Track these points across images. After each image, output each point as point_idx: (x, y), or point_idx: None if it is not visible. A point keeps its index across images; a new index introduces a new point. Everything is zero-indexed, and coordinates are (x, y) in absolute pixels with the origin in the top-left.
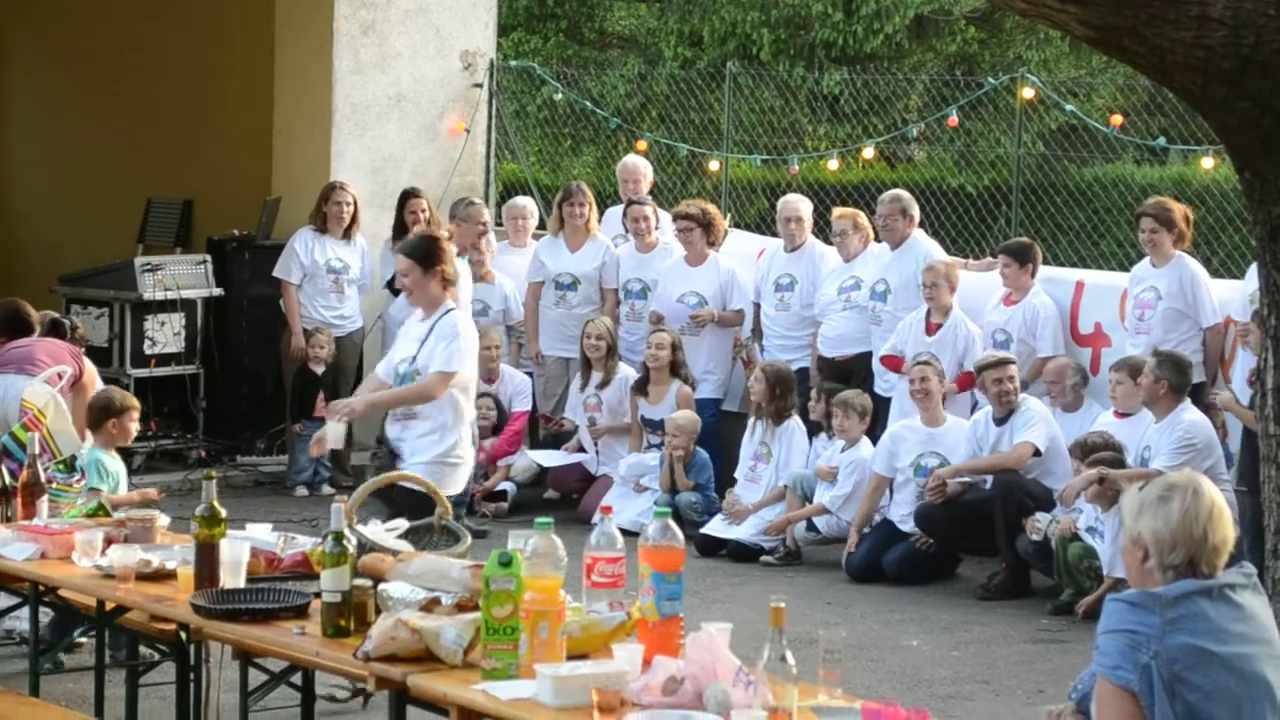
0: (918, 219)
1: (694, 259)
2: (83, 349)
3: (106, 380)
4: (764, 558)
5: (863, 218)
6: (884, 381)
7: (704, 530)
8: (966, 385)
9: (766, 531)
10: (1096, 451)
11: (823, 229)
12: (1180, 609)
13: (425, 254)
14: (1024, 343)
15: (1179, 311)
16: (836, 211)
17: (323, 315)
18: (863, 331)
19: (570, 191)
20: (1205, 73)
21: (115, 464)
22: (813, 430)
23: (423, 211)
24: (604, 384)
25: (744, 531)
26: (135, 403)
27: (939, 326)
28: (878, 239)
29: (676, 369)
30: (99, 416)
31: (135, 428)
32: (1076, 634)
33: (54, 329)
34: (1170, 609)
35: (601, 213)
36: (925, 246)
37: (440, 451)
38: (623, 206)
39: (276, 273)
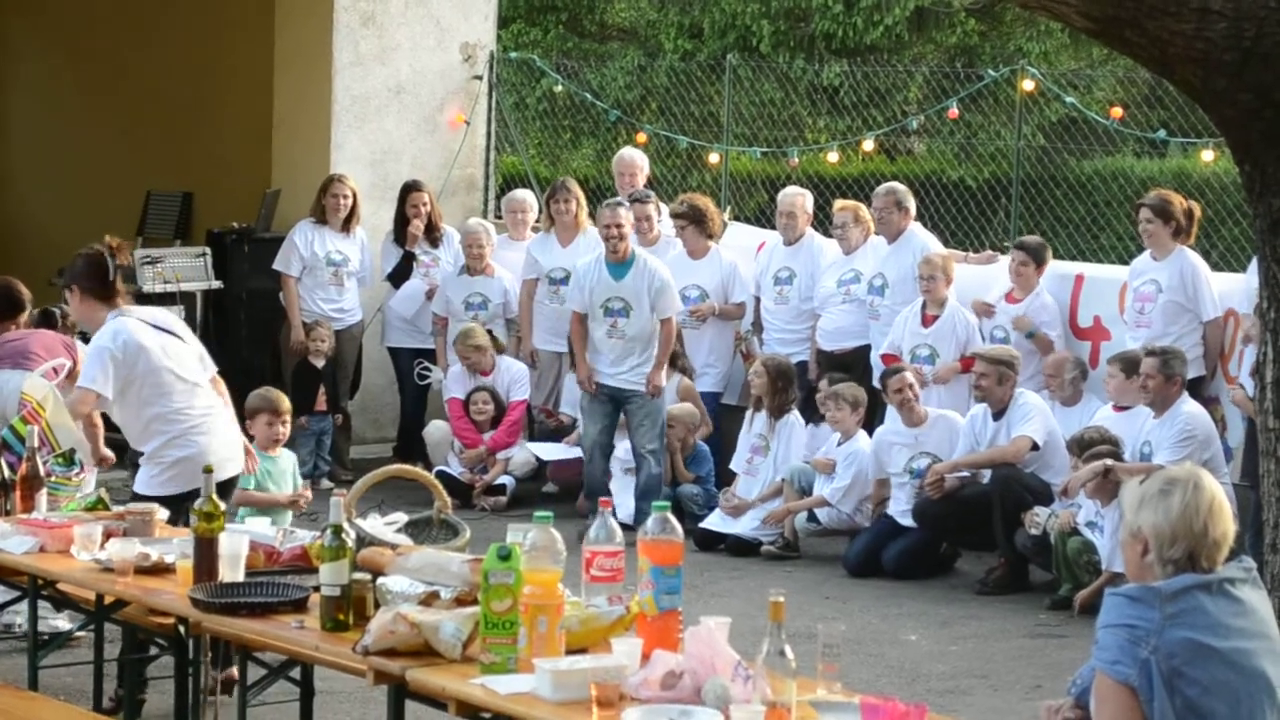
0: (914, 212)
1: (695, 252)
2: (75, 338)
3: None
4: (764, 547)
5: (864, 210)
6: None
7: (702, 525)
8: (969, 367)
9: (765, 521)
10: (1093, 446)
11: (822, 222)
12: (1180, 604)
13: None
14: (1021, 343)
15: (1179, 305)
16: (838, 204)
17: (322, 308)
18: (861, 325)
19: (556, 188)
20: (1206, 65)
21: (275, 464)
22: (814, 421)
23: (424, 205)
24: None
25: (743, 525)
26: (287, 405)
27: (935, 319)
28: (878, 232)
29: (676, 361)
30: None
31: (286, 430)
32: (1075, 628)
33: (44, 320)
34: (1170, 604)
35: (597, 206)
36: (922, 239)
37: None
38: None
39: (276, 265)
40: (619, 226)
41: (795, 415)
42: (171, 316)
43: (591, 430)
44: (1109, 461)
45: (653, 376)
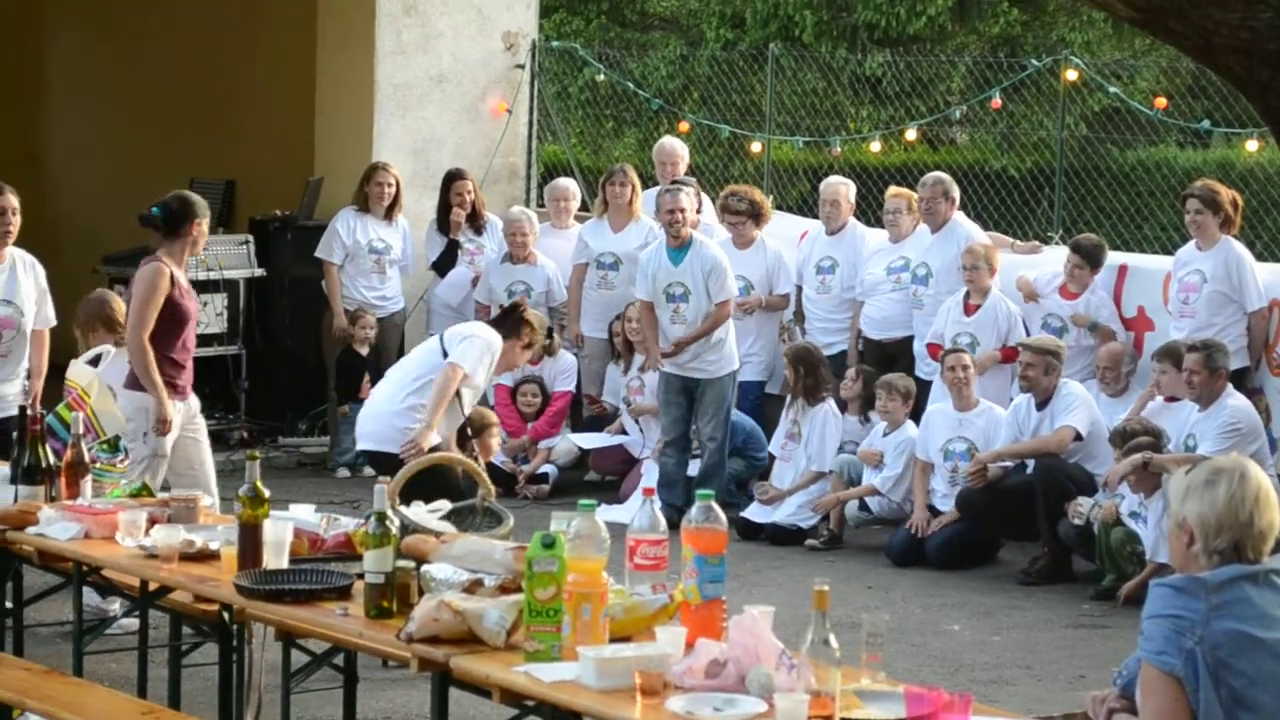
0: (958, 201)
1: (741, 242)
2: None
3: None
4: (809, 541)
5: (915, 198)
6: (926, 365)
7: (742, 515)
8: (1011, 358)
9: (815, 509)
10: (1135, 438)
11: (864, 211)
12: (1225, 594)
13: None
14: (1079, 337)
15: (1224, 295)
16: (891, 190)
17: (364, 296)
18: (910, 314)
19: (613, 173)
20: (1251, 54)
21: None
22: (844, 409)
23: (468, 193)
24: (646, 367)
25: (781, 513)
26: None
27: (977, 308)
28: (924, 221)
29: None
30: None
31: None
32: (1118, 619)
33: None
34: (1215, 594)
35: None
36: (966, 229)
37: None
38: (657, 190)
39: (319, 253)
40: (681, 211)
41: (830, 405)
42: None
43: (666, 421)
44: (1148, 454)
45: (682, 339)
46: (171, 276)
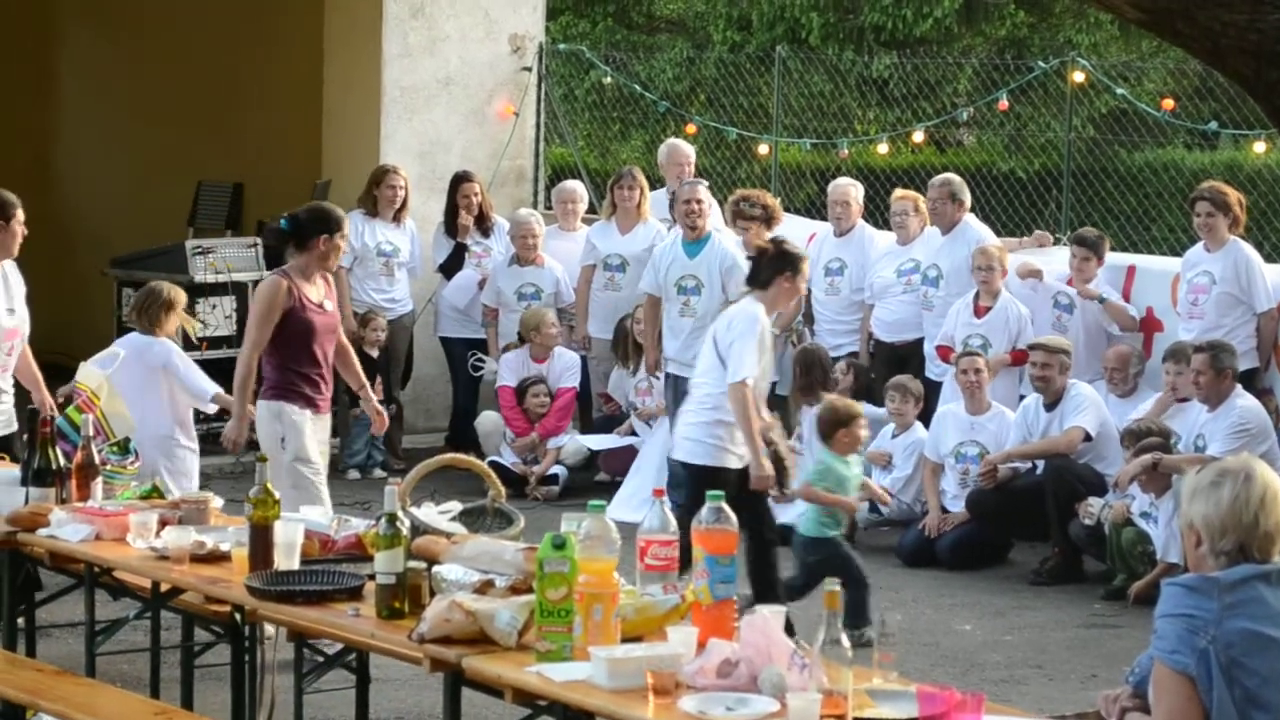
0: (968, 203)
1: (750, 247)
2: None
3: None
4: None
5: (923, 201)
6: (936, 366)
7: None
8: (1020, 360)
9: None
10: (1145, 438)
11: (872, 213)
12: (1238, 594)
13: None
14: (1091, 327)
15: (1233, 297)
16: (897, 193)
17: (373, 298)
18: (921, 316)
19: (622, 175)
20: (1259, 56)
21: (848, 469)
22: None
23: (475, 195)
24: (654, 368)
25: (791, 514)
26: (859, 410)
27: (987, 309)
28: (932, 223)
29: None
30: (829, 429)
31: (865, 434)
32: (1130, 619)
33: None
34: (1228, 594)
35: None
36: (976, 231)
37: None
38: (668, 192)
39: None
40: (699, 202)
41: None
42: None
43: (673, 421)
44: (1158, 454)
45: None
46: (291, 289)
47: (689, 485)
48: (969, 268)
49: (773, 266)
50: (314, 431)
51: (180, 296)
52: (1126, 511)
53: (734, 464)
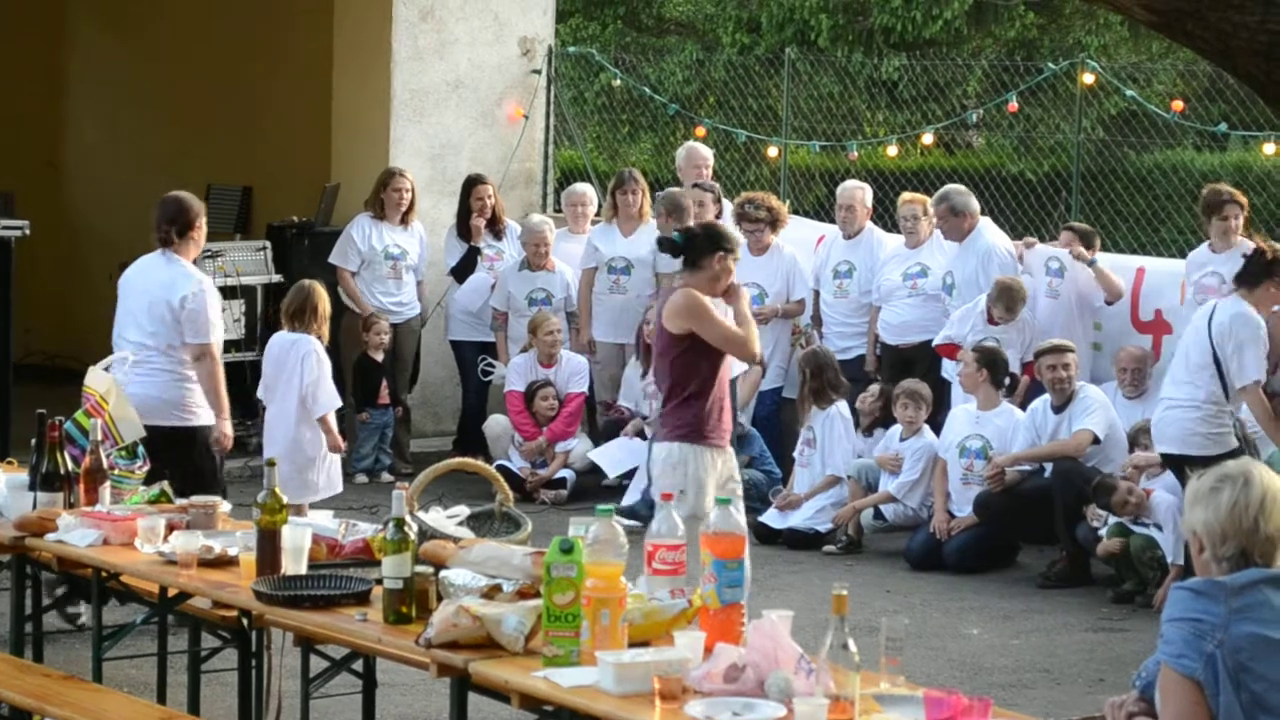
0: (976, 211)
1: (756, 249)
2: None
3: None
4: (826, 547)
5: (930, 203)
6: (946, 367)
7: (760, 519)
8: (1031, 376)
9: (834, 521)
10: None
11: (881, 216)
12: (1246, 598)
13: None
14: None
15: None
16: (905, 196)
17: (381, 302)
18: (928, 319)
19: (623, 178)
20: (1269, 57)
21: None
22: (858, 422)
23: (488, 198)
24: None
25: (798, 517)
26: None
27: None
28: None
29: None
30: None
31: None
32: (1137, 622)
33: None
34: (1235, 597)
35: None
36: (989, 239)
37: None
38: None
39: (333, 259)
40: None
41: (840, 406)
42: None
43: None
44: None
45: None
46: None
47: None
48: (981, 276)
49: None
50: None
51: (325, 300)
52: (1139, 500)
53: None
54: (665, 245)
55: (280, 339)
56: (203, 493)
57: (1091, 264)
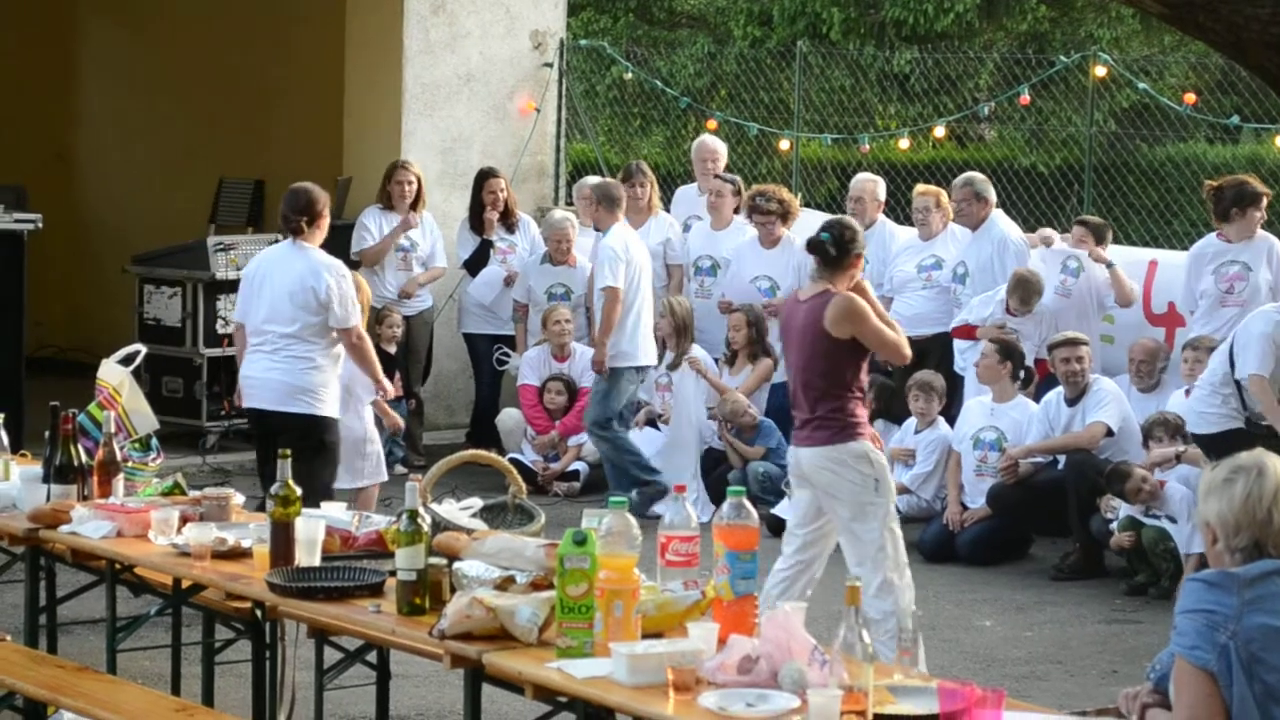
0: (994, 200)
1: (768, 242)
2: None
3: (177, 360)
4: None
5: (944, 196)
6: (960, 359)
7: (773, 511)
8: (1045, 373)
9: None
10: (1170, 427)
11: (893, 208)
12: (1259, 589)
13: None
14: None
15: (1269, 284)
16: (919, 188)
17: (391, 293)
18: (941, 311)
19: (630, 171)
20: None
21: None
22: (892, 415)
23: (501, 191)
24: (674, 365)
25: None
26: None
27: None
28: (958, 222)
29: (753, 346)
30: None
31: None
32: (1150, 614)
33: None
34: (1248, 589)
35: (670, 192)
36: (1003, 229)
37: None
38: (695, 186)
39: (355, 248)
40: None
41: None
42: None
43: None
44: (1180, 448)
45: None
46: None
47: None
48: (996, 265)
49: (849, 248)
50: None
51: (366, 290)
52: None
53: None
54: (817, 248)
55: None
56: (314, 484)
57: (1110, 266)
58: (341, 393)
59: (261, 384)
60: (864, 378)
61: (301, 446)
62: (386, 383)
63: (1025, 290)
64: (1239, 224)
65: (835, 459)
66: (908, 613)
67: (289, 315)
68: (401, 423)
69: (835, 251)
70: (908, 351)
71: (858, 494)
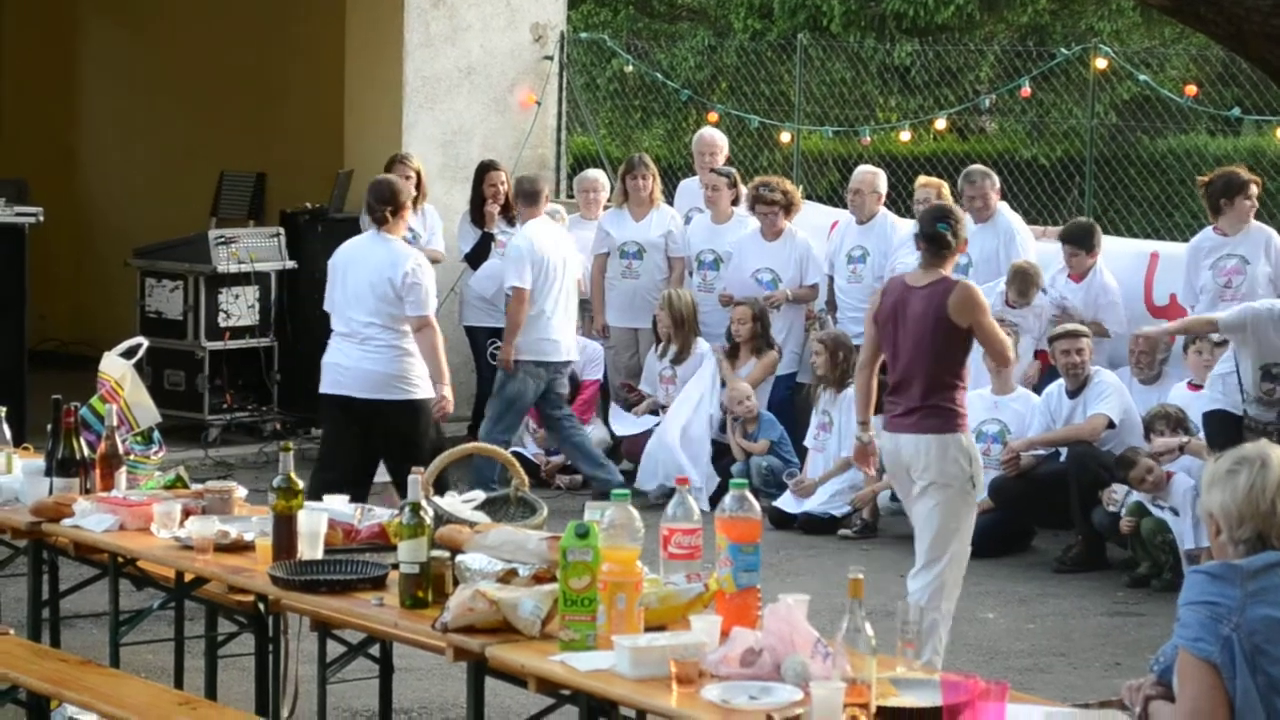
0: (998, 189)
1: (770, 234)
2: None
3: (179, 353)
4: (841, 531)
5: (946, 188)
6: None
7: (775, 504)
8: (1046, 365)
9: (853, 503)
10: (1172, 421)
11: (894, 201)
12: (1262, 581)
13: None
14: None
15: (1268, 277)
16: (921, 180)
17: None
18: None
19: (633, 163)
20: None
21: None
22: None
23: (502, 184)
24: (679, 358)
25: (813, 502)
26: None
27: (1016, 305)
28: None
29: (758, 339)
30: None
31: None
32: (1153, 606)
33: None
34: (1251, 581)
35: (673, 185)
36: (1010, 220)
37: None
38: (698, 179)
39: None
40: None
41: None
42: None
43: None
44: (1184, 438)
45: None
46: None
47: None
48: (1001, 255)
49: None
50: None
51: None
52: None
53: None
54: (938, 239)
55: None
56: (419, 463)
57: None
58: None
59: (352, 372)
60: (968, 371)
61: (393, 435)
62: (448, 379)
63: (1023, 282)
64: (1230, 214)
65: (940, 448)
66: (950, 615)
67: (373, 305)
68: (451, 407)
69: (953, 240)
70: (1012, 355)
71: (952, 484)
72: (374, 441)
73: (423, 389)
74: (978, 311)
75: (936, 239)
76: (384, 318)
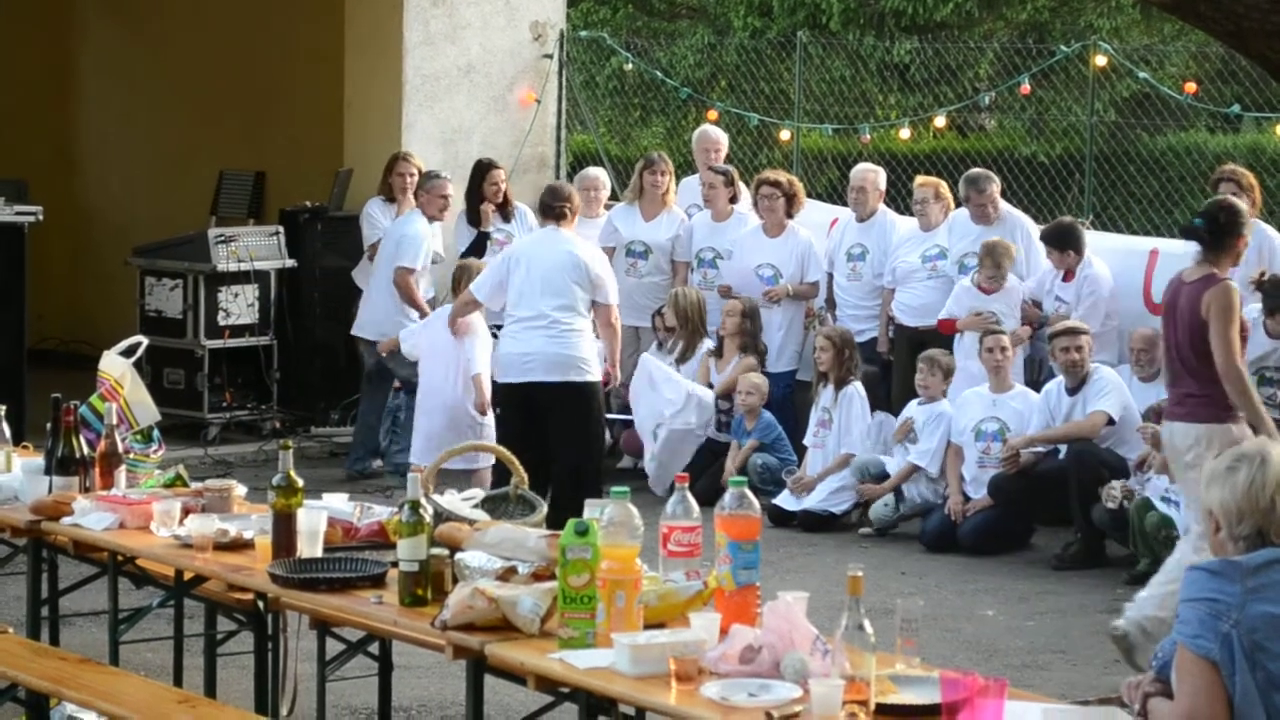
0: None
1: (772, 229)
2: None
3: (178, 352)
4: (862, 530)
5: (944, 187)
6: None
7: (774, 502)
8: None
9: (861, 496)
10: None
11: (894, 198)
12: (1261, 577)
13: None
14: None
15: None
16: (919, 180)
17: None
18: (945, 301)
19: (652, 160)
20: None
21: None
22: (876, 404)
23: (502, 182)
24: (684, 357)
25: (812, 499)
26: None
27: (992, 290)
28: (958, 206)
29: (744, 338)
30: None
31: None
32: None
33: None
34: (1251, 577)
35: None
36: (1016, 216)
37: None
38: (699, 177)
39: (369, 241)
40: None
41: (856, 387)
42: None
43: None
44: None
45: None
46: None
47: None
48: (1021, 254)
49: (1229, 229)
50: None
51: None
52: (1140, 493)
53: None
54: (1193, 234)
55: (445, 311)
56: (586, 445)
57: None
58: (459, 373)
59: (538, 358)
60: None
61: (577, 410)
62: (618, 366)
63: (995, 254)
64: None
65: (1208, 437)
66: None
67: (561, 293)
68: (488, 404)
69: (1210, 236)
70: (1235, 371)
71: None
72: (553, 427)
73: (595, 372)
74: (1214, 315)
75: (1189, 233)
76: (570, 305)
